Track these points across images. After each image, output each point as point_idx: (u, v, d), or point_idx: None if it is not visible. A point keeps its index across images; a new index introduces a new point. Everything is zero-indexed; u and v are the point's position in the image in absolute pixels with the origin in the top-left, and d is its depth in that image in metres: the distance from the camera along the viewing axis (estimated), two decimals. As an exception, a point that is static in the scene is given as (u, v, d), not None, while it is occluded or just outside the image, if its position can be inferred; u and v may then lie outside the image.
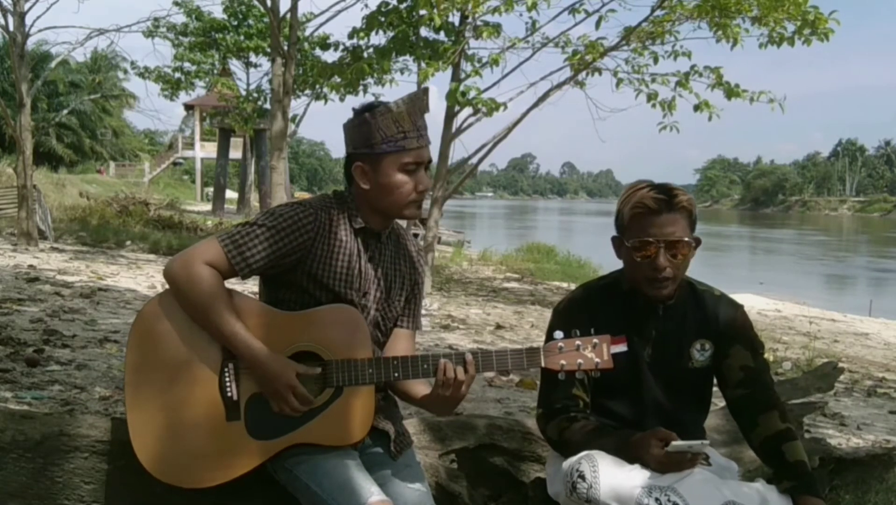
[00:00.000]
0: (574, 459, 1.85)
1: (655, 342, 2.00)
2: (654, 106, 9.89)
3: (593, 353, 1.82)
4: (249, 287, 2.26)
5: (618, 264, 2.10)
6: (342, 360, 1.81)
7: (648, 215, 1.89)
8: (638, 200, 1.90)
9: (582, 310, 2.00)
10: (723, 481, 1.83)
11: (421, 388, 1.95)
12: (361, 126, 1.85)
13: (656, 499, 1.72)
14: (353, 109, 1.90)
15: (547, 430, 2.01)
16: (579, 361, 1.82)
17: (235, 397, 1.79)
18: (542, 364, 1.83)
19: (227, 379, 1.79)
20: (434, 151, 10.72)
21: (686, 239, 1.90)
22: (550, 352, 1.83)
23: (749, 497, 1.79)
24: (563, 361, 1.82)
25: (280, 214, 1.83)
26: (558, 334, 1.84)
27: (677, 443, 1.78)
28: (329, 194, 1.96)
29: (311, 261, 1.84)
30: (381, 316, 1.95)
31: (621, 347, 1.91)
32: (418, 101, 1.87)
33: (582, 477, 1.77)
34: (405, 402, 2.02)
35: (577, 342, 1.83)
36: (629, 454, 1.83)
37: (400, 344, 2.01)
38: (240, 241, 1.79)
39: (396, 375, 1.84)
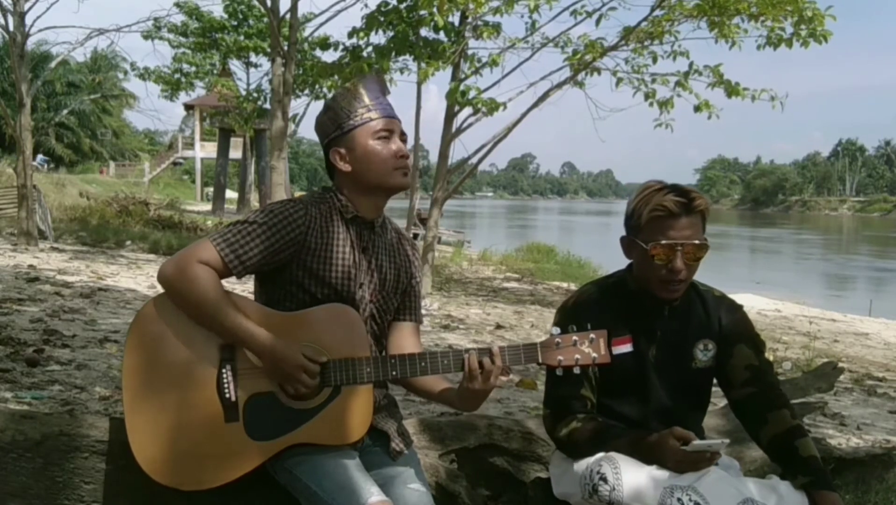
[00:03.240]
0: (592, 460, 1.85)
1: (660, 343, 2.00)
2: (651, 104, 9.91)
3: (590, 348, 1.82)
4: (243, 288, 2.25)
5: (617, 265, 2.10)
6: (340, 359, 1.81)
7: (668, 218, 1.88)
8: (658, 203, 1.89)
9: (592, 308, 1.99)
10: (739, 479, 1.84)
11: (439, 382, 1.95)
12: (327, 112, 1.93)
13: (678, 499, 1.72)
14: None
15: (555, 430, 2.01)
16: (577, 356, 1.82)
17: (234, 399, 1.79)
18: (540, 360, 1.82)
19: (226, 380, 1.79)
20: (434, 151, 10.75)
21: (705, 243, 1.91)
22: (548, 348, 1.83)
23: (765, 494, 1.80)
24: (560, 357, 1.82)
25: (271, 211, 1.84)
26: (555, 330, 1.84)
27: (697, 442, 1.79)
28: (318, 189, 1.98)
29: (306, 254, 1.85)
30: (377, 308, 1.95)
31: (627, 348, 1.91)
32: (371, 80, 1.95)
33: (604, 479, 1.77)
34: (424, 398, 2.02)
35: (574, 338, 1.83)
36: (645, 455, 1.83)
37: (407, 339, 2.01)
38: (232, 239, 1.79)
39: (395, 373, 1.84)
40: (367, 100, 1.90)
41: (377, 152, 1.88)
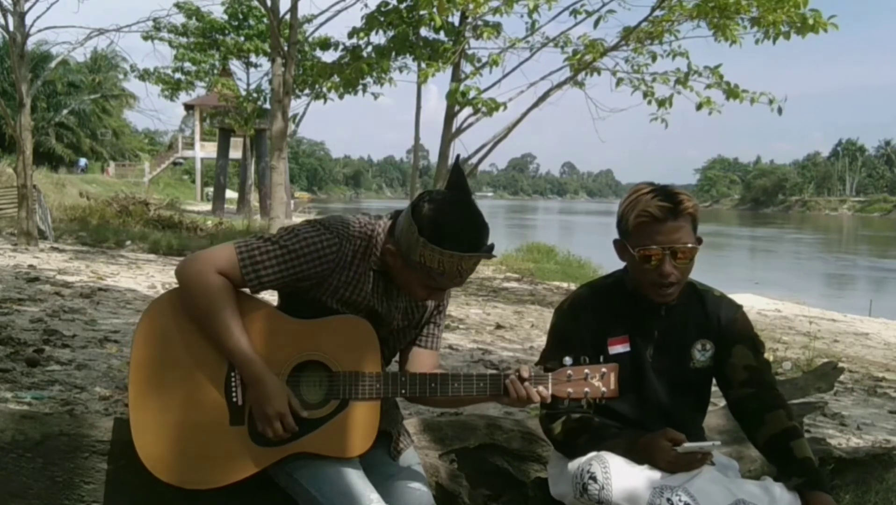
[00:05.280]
0: (583, 459, 1.85)
1: (658, 343, 2.01)
2: (649, 102, 9.94)
3: (601, 382, 1.83)
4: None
5: (617, 264, 2.10)
6: (350, 372, 1.80)
7: (654, 223, 1.87)
8: (643, 209, 1.88)
9: (586, 310, 2.00)
10: (730, 480, 1.85)
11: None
12: (410, 235, 1.74)
13: (668, 499, 1.73)
14: (424, 200, 1.75)
15: (551, 430, 2.01)
16: (586, 389, 1.83)
17: (241, 402, 1.78)
18: (550, 392, 1.83)
19: (234, 383, 1.78)
20: (434, 151, 10.78)
21: (692, 245, 1.90)
22: (559, 380, 1.83)
23: (757, 495, 1.80)
24: (570, 390, 1.83)
25: (303, 238, 1.78)
26: (567, 361, 1.83)
27: (688, 445, 1.80)
28: (373, 218, 1.88)
29: (326, 289, 1.82)
30: (388, 347, 1.96)
31: (624, 348, 1.91)
32: (473, 261, 1.75)
33: (593, 478, 1.78)
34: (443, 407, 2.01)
35: (586, 370, 1.83)
36: (638, 455, 1.83)
37: (426, 362, 1.99)
38: (256, 255, 1.76)
39: (404, 391, 1.84)
40: (446, 266, 1.72)
41: (415, 289, 1.83)
